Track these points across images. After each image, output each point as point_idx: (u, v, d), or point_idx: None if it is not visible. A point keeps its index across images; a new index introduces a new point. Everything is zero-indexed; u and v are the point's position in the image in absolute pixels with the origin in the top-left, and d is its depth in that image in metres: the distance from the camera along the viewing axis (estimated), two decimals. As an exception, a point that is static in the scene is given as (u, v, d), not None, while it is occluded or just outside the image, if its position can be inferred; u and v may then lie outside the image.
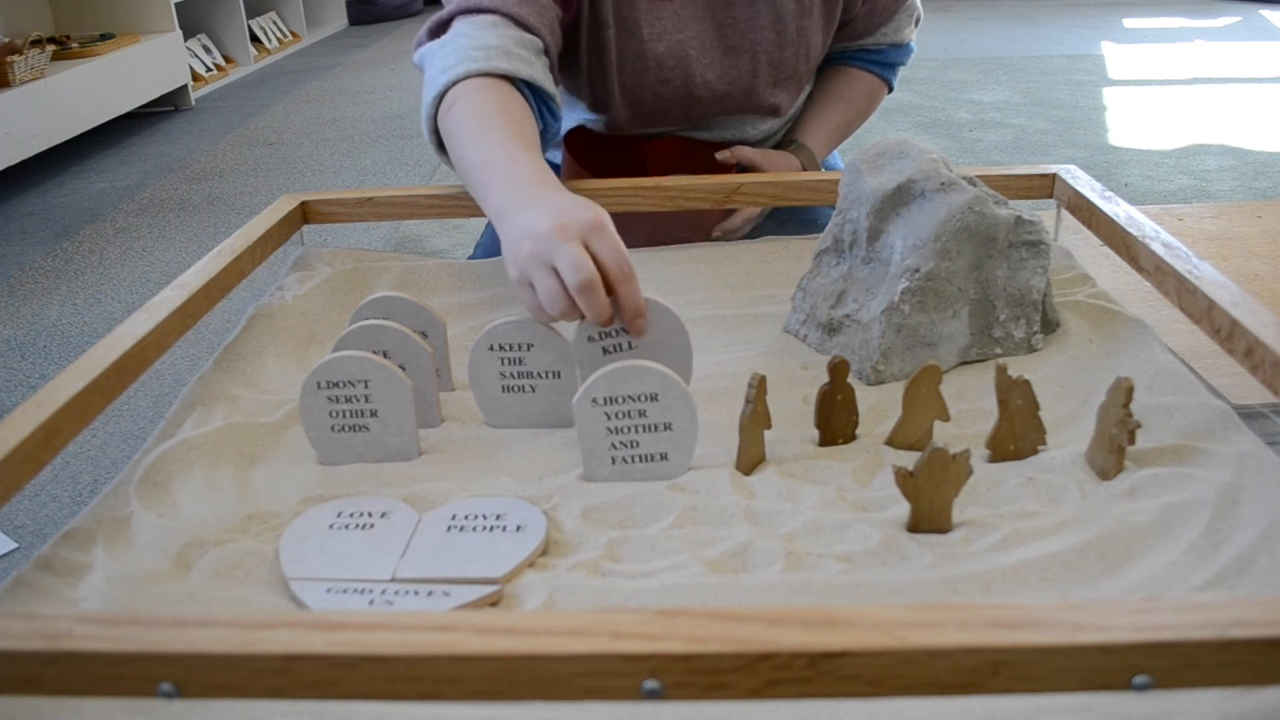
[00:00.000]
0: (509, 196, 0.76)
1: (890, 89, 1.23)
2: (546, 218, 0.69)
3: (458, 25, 0.92)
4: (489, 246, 1.14)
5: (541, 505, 0.66)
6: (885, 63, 1.20)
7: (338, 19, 5.46)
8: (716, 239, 1.08)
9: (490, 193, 0.79)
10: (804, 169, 1.14)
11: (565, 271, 0.67)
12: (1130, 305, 0.85)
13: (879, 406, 0.76)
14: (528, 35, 0.92)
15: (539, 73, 0.91)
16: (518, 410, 0.76)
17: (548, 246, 0.68)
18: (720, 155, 1.10)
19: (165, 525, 0.64)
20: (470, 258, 1.09)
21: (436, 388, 0.77)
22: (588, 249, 0.68)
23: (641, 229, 1.06)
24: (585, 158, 1.12)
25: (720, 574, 0.59)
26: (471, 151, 0.83)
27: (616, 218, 1.03)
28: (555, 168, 1.21)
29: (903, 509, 0.63)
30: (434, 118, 0.90)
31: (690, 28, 1.05)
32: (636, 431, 0.67)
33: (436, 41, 0.93)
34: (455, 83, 0.88)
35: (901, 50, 1.20)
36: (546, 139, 0.95)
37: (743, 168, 1.11)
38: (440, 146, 0.92)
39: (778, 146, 1.19)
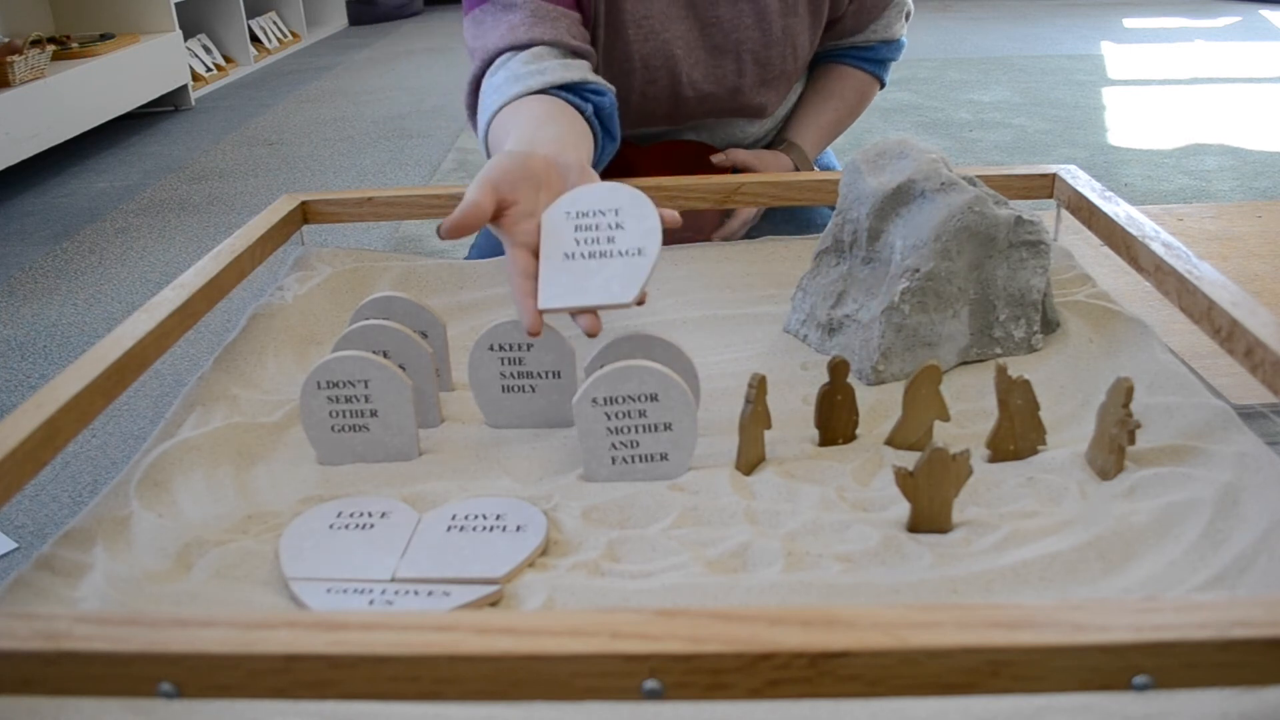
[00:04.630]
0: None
1: (882, 85, 1.23)
2: None
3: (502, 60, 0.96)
4: (484, 246, 1.14)
5: (541, 505, 0.66)
6: (876, 59, 1.19)
7: (338, 19, 5.45)
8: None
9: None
10: (796, 168, 1.14)
11: None
12: (1130, 305, 0.85)
13: (879, 406, 0.76)
14: (571, 60, 0.96)
15: (576, 72, 0.94)
16: (518, 410, 0.76)
17: None
18: (715, 158, 1.11)
19: (165, 525, 0.64)
20: (467, 258, 1.09)
21: (436, 388, 0.77)
22: None
23: None
24: None
25: (720, 574, 0.59)
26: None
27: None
28: None
29: (903, 509, 0.63)
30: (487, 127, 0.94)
31: (675, 27, 1.05)
32: (636, 431, 0.67)
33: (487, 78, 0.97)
34: (507, 103, 0.92)
35: (892, 46, 1.19)
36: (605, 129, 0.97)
37: (737, 170, 1.11)
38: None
39: (770, 145, 1.19)
